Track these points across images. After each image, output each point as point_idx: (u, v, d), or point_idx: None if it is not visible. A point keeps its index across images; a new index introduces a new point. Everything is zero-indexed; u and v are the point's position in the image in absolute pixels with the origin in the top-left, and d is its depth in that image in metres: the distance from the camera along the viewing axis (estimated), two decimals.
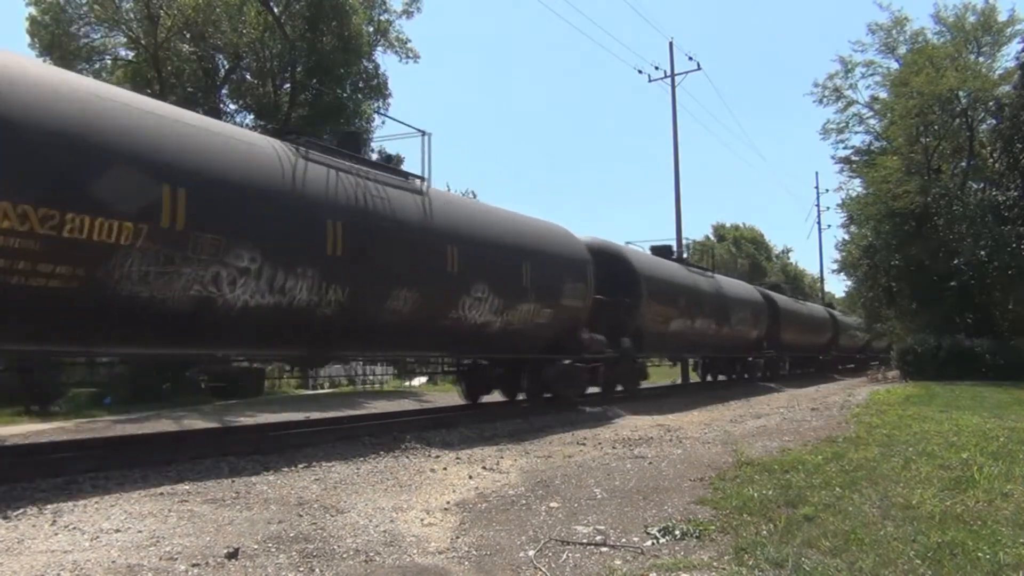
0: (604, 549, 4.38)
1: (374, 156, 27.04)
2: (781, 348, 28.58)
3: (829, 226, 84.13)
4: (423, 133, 11.16)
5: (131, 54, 24.46)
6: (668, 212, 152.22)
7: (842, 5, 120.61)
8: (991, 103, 27.02)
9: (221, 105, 24.64)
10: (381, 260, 9.41)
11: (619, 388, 17.21)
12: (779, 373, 29.87)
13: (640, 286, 16.59)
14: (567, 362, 13.75)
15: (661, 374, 27.55)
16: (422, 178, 10.92)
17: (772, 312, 26.99)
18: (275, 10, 24.13)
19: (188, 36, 23.16)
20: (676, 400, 17.86)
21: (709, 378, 26.29)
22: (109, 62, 24.74)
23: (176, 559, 4.01)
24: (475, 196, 30.69)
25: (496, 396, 14.55)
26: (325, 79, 24.08)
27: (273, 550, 4.24)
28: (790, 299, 32.34)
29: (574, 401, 14.12)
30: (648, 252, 20.11)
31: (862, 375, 36.40)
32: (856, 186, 33.67)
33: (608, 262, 15.90)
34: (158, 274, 6.93)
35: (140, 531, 4.57)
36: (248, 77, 25.53)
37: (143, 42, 23.22)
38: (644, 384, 19.53)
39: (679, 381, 26.66)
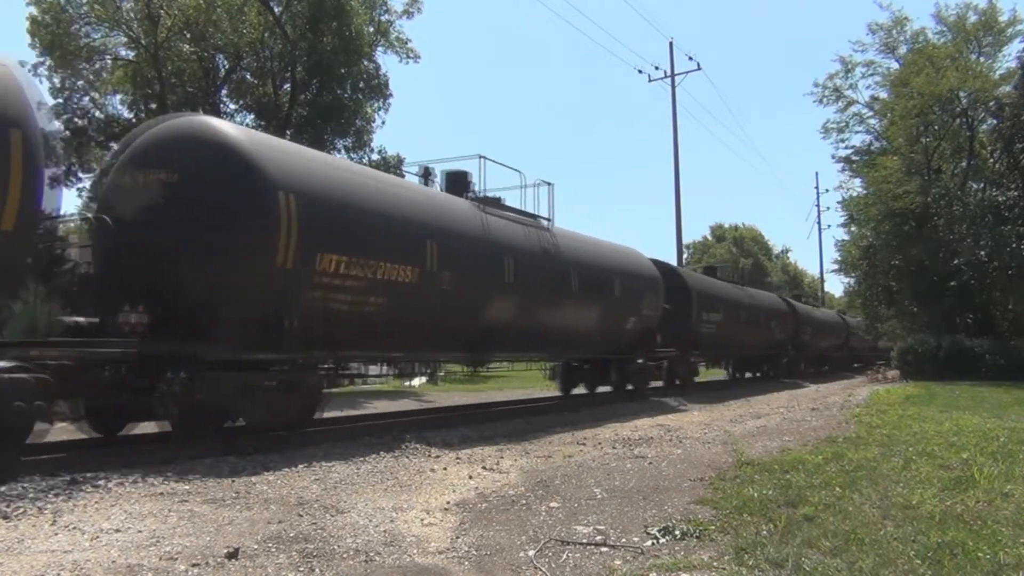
0: (604, 549, 4.39)
1: (375, 155, 27.11)
2: (693, 344, 19.66)
3: (829, 226, 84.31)
4: None
5: (131, 54, 24.46)
6: (668, 212, 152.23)
7: (842, 5, 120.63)
8: (991, 103, 27.07)
9: (221, 105, 24.64)
10: None
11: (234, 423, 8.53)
12: (693, 380, 20.97)
13: (272, 220, 7.79)
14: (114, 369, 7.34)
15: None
16: None
17: (679, 294, 18.17)
18: (276, 10, 24.12)
19: (188, 36, 23.15)
20: None
21: (584, 389, 17.04)
22: (109, 62, 24.75)
23: (176, 559, 4.02)
24: None
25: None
26: (326, 79, 24.07)
27: (273, 550, 4.24)
28: (721, 281, 23.44)
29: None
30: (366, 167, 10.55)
31: (836, 380, 31.36)
32: (856, 186, 33.81)
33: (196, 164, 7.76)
34: None
35: (140, 531, 4.57)
36: (248, 77, 25.53)
37: (143, 42, 23.22)
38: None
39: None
